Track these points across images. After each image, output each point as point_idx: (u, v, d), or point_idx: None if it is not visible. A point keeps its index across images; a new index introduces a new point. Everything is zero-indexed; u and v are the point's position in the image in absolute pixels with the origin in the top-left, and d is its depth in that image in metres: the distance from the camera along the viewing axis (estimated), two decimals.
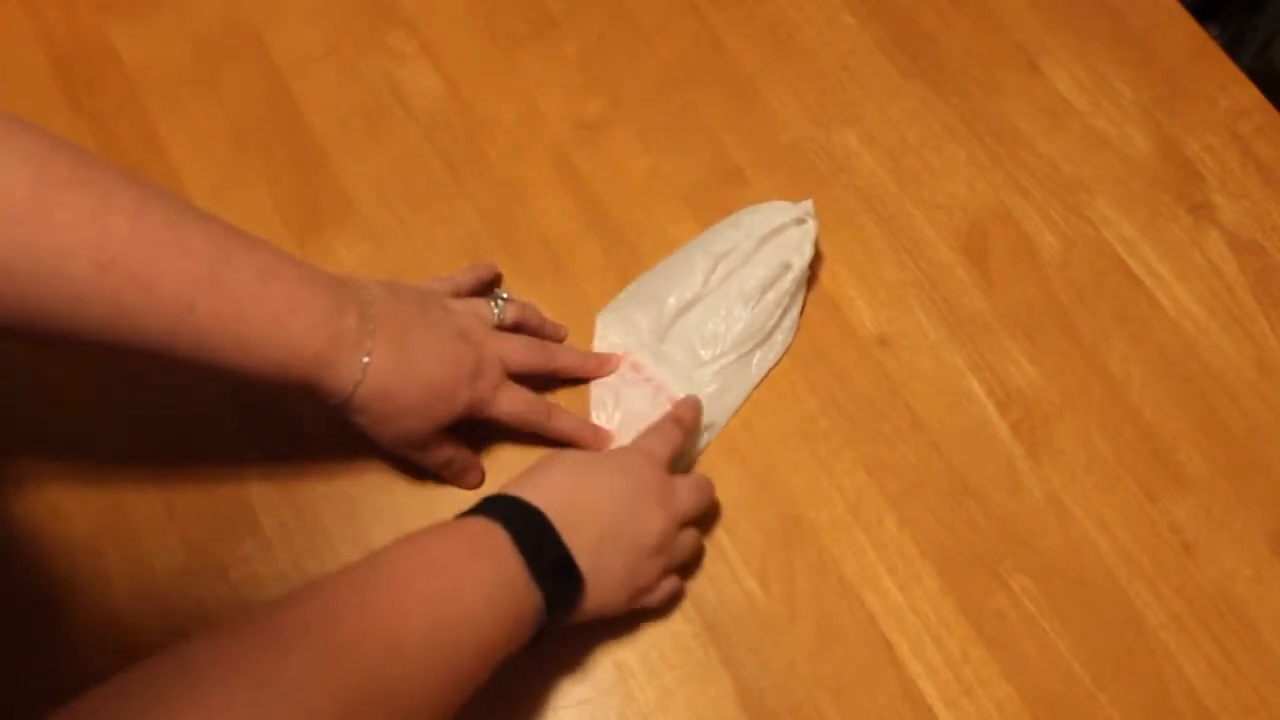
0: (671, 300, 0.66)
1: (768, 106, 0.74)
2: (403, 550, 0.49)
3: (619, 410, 0.65)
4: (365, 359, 0.54)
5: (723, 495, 0.63)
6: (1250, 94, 0.73)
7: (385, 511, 0.63)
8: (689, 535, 0.59)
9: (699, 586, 0.61)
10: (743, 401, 0.65)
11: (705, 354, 0.65)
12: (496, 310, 0.63)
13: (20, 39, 0.76)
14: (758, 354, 0.66)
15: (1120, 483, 0.63)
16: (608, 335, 0.67)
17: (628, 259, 0.69)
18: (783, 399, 0.66)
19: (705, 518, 0.62)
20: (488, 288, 0.67)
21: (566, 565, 0.52)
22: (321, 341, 0.53)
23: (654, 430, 0.61)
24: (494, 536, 0.51)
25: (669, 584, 0.59)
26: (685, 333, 0.66)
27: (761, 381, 0.66)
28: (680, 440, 0.61)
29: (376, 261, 0.69)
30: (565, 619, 0.54)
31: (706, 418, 0.64)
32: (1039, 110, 0.73)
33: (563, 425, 0.63)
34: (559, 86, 0.74)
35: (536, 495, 0.53)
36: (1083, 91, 0.73)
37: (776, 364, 0.66)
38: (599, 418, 0.65)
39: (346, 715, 0.41)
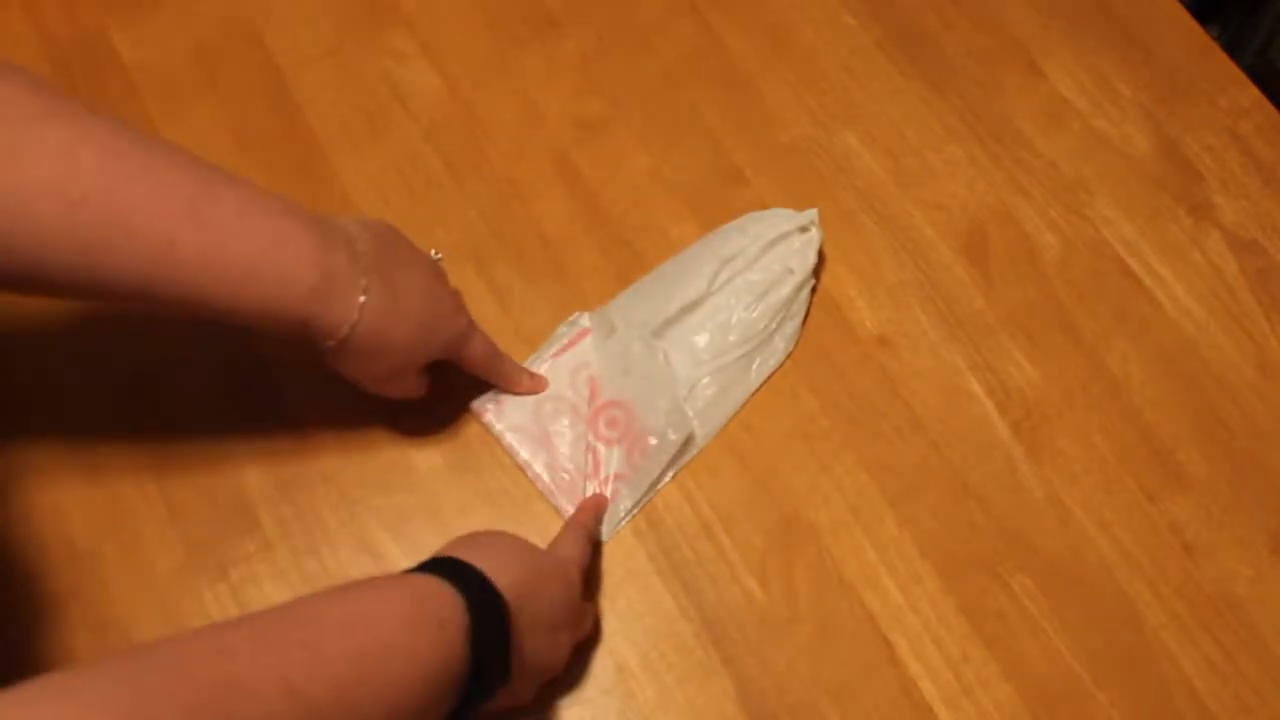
0: (675, 300, 0.66)
1: (768, 106, 0.74)
2: (338, 598, 0.46)
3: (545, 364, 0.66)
4: (362, 298, 0.52)
5: (723, 495, 0.63)
6: (1250, 94, 0.73)
7: (385, 511, 0.63)
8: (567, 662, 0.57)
9: (699, 586, 0.61)
10: (739, 407, 0.65)
11: (704, 354, 0.65)
12: (437, 257, 0.63)
13: (20, 39, 0.76)
14: (757, 359, 0.66)
15: (1120, 483, 0.63)
16: (579, 321, 0.67)
17: (627, 259, 0.69)
18: (783, 399, 0.66)
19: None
20: None
21: (504, 667, 0.48)
22: (313, 277, 0.51)
23: (573, 534, 0.58)
24: (449, 610, 0.46)
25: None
26: (686, 333, 0.66)
27: (760, 386, 0.66)
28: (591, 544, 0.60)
29: None
30: (470, 711, 0.49)
31: (701, 427, 0.64)
32: (1039, 110, 0.73)
33: (508, 369, 0.64)
34: (559, 86, 0.74)
35: (501, 579, 0.49)
36: (1083, 91, 0.73)
37: (775, 371, 0.66)
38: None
39: None
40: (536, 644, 0.52)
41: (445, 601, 0.46)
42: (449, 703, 0.46)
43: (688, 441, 0.64)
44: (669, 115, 0.73)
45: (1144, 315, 0.68)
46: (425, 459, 0.64)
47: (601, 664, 0.60)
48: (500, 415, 0.65)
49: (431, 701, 0.45)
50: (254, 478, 0.64)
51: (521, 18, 0.77)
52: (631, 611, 0.61)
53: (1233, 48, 1.14)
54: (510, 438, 0.64)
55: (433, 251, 0.63)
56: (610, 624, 0.61)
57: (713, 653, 0.60)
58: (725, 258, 0.66)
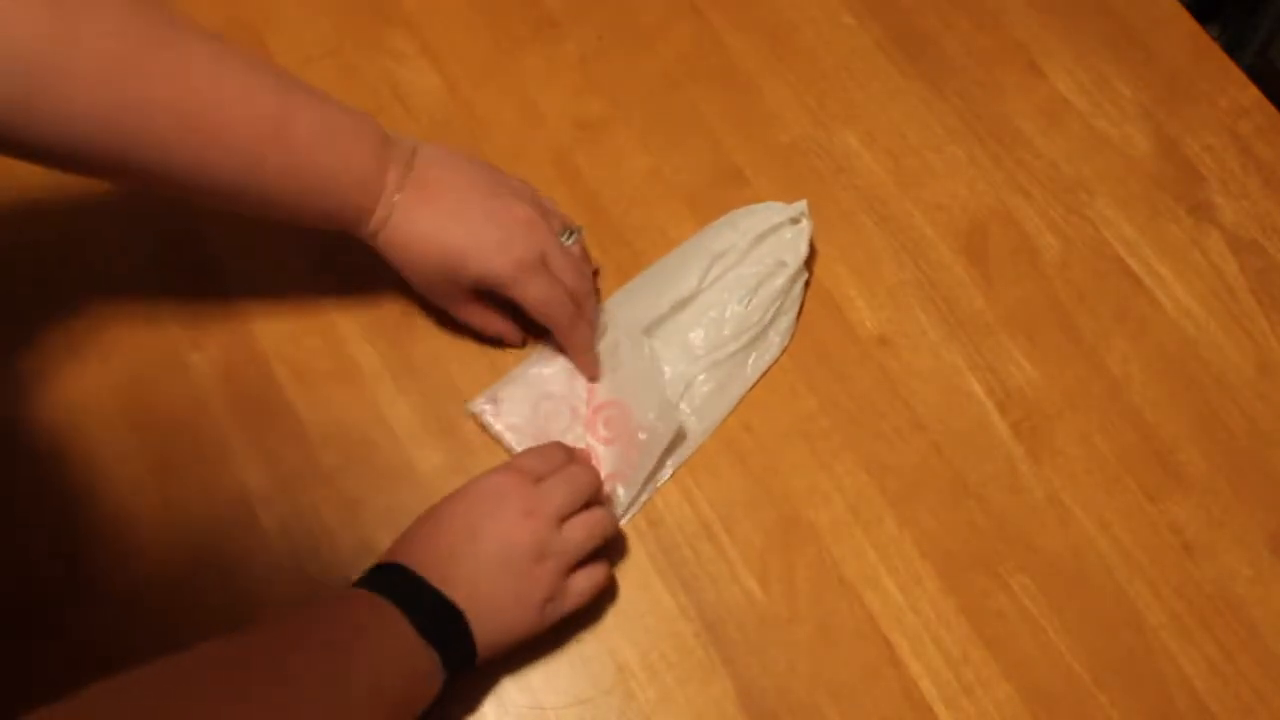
0: (667, 297, 0.66)
1: (768, 106, 0.74)
2: (289, 613, 0.54)
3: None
4: (393, 205, 0.59)
5: (722, 495, 0.63)
6: (1250, 94, 0.73)
7: (387, 512, 0.63)
8: (579, 525, 0.57)
9: (699, 586, 0.61)
10: (737, 403, 0.65)
11: (699, 350, 0.65)
12: (567, 237, 0.64)
13: None
14: (753, 354, 0.66)
15: (1120, 483, 0.63)
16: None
17: (627, 259, 0.69)
18: (782, 399, 0.66)
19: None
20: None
21: (444, 607, 0.53)
22: (362, 195, 0.59)
23: (532, 449, 0.60)
24: (367, 596, 0.53)
25: (581, 583, 0.57)
26: (679, 329, 0.66)
27: (758, 382, 0.66)
28: (559, 460, 0.59)
29: (376, 261, 0.69)
30: (472, 659, 0.54)
31: (699, 423, 0.64)
32: (1039, 110, 0.73)
33: (581, 336, 0.64)
34: (559, 86, 0.74)
35: (396, 555, 0.55)
36: (1083, 91, 0.73)
37: (772, 366, 0.66)
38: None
39: None
40: (477, 563, 0.54)
41: (358, 593, 0.53)
42: (429, 673, 0.52)
43: (681, 436, 0.64)
44: (669, 115, 0.73)
45: (1144, 315, 0.68)
46: (425, 459, 0.64)
47: (601, 664, 0.60)
48: (499, 415, 0.65)
49: (403, 677, 0.52)
50: (254, 478, 0.64)
51: (521, 18, 0.77)
52: (632, 611, 0.61)
53: (1233, 48, 1.14)
54: (509, 437, 0.64)
55: (567, 234, 0.64)
56: (610, 624, 0.61)
57: (713, 653, 0.60)
58: (716, 253, 0.66)
